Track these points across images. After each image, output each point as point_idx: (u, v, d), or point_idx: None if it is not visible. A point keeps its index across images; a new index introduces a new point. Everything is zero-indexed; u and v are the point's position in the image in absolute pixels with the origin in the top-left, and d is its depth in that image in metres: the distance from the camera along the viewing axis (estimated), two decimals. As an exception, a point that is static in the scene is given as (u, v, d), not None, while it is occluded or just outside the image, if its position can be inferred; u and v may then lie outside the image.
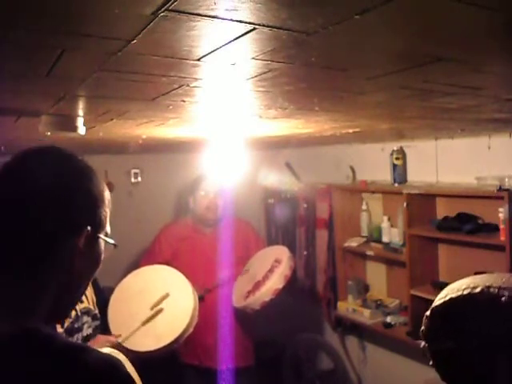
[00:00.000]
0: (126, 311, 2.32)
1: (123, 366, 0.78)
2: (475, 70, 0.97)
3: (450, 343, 0.97)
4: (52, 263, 0.83)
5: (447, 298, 0.97)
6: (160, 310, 2.33)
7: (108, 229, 0.91)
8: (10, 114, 1.44)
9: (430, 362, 1.02)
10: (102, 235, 0.89)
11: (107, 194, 0.91)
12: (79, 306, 2.01)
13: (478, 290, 0.93)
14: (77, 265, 0.84)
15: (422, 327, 1.02)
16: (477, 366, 0.95)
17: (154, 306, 2.35)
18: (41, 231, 0.81)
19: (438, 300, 1.00)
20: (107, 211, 0.90)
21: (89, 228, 0.85)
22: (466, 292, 0.95)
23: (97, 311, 2.12)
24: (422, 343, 1.03)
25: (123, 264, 3.48)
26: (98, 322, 2.11)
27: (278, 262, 2.90)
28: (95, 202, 0.87)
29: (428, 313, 1.01)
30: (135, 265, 3.19)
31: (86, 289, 0.92)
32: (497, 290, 0.91)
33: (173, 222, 3.43)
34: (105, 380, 0.75)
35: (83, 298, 2.05)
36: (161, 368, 2.77)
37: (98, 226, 0.87)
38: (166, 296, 2.39)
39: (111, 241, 0.92)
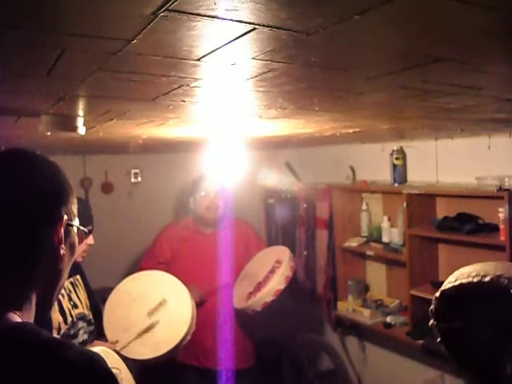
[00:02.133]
0: (123, 318, 2.29)
1: (103, 362, 0.80)
2: (475, 70, 0.97)
3: (458, 323, 0.99)
4: (38, 255, 0.86)
5: (457, 283, 0.99)
6: (156, 322, 2.32)
7: (77, 220, 0.96)
8: (10, 114, 1.44)
9: (438, 339, 1.04)
10: (74, 223, 0.93)
11: (72, 186, 0.96)
12: (74, 312, 2.00)
13: (487, 278, 0.94)
14: (60, 254, 0.88)
15: (431, 307, 1.05)
16: (482, 348, 0.97)
17: (151, 311, 2.34)
18: (25, 223, 0.84)
19: (448, 283, 1.01)
20: (75, 201, 0.95)
21: (65, 217, 0.88)
22: (476, 279, 0.95)
23: (91, 316, 2.11)
24: (431, 321, 1.05)
25: (123, 264, 3.49)
26: (92, 327, 2.10)
27: (278, 262, 2.90)
28: (66, 193, 0.92)
29: (437, 294, 1.03)
30: (135, 265, 3.20)
31: (66, 278, 0.95)
32: (507, 281, 0.92)
33: (174, 223, 3.42)
34: (83, 374, 0.77)
35: (78, 302, 2.05)
36: (160, 368, 2.76)
37: (71, 216, 0.92)
38: (164, 302, 2.37)
39: (84, 228, 0.97)
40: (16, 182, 0.86)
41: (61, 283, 0.93)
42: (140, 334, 2.25)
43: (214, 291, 2.99)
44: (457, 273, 1.02)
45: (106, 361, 0.80)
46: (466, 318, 0.98)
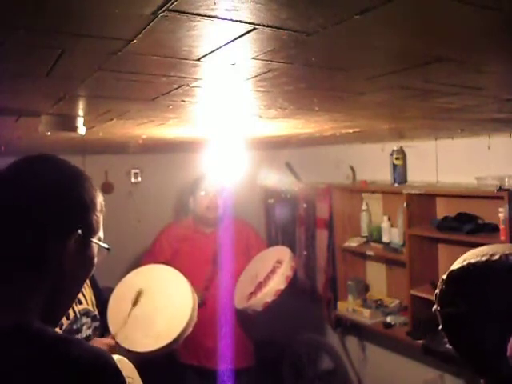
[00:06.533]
0: (125, 310, 2.31)
1: (111, 358, 0.80)
2: (475, 70, 0.97)
3: (463, 308, 0.97)
4: (42, 264, 0.85)
5: (465, 263, 0.98)
6: (141, 292, 2.33)
7: (101, 234, 0.94)
8: (10, 114, 1.44)
9: (440, 326, 1.03)
10: (94, 239, 0.91)
11: (100, 200, 0.94)
12: (78, 308, 2.00)
13: (496, 257, 0.94)
14: (68, 267, 0.87)
15: (437, 290, 1.03)
16: (486, 335, 0.96)
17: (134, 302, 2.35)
18: (32, 233, 0.84)
19: (456, 264, 1.01)
20: (99, 216, 0.93)
21: (79, 231, 0.87)
22: (484, 258, 0.95)
23: (96, 312, 2.11)
24: (435, 306, 1.03)
25: (123, 264, 3.48)
26: (97, 323, 2.10)
27: (279, 262, 2.90)
28: (85, 207, 0.90)
29: (444, 276, 1.02)
30: (135, 265, 3.19)
31: (79, 291, 0.95)
32: None
33: (174, 222, 3.43)
34: (92, 371, 0.77)
35: (82, 298, 2.05)
36: (161, 368, 2.76)
37: (90, 230, 0.90)
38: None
39: (104, 245, 0.94)
40: (28, 190, 0.86)
41: (69, 296, 0.92)
42: (131, 315, 2.25)
43: (213, 292, 2.99)
44: (466, 254, 1.02)
45: (121, 370, 0.80)
46: (471, 301, 0.97)
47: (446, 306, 1.01)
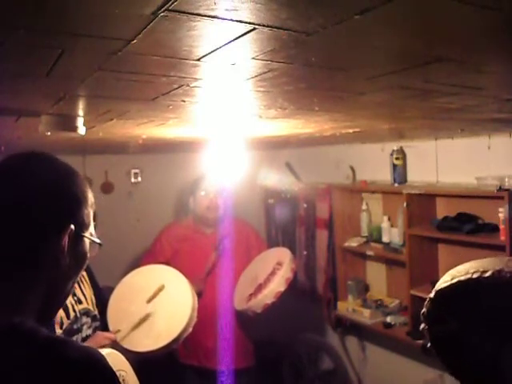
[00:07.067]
0: (125, 309, 2.32)
1: (103, 358, 0.80)
2: (475, 70, 0.97)
3: (453, 325, 0.94)
4: (39, 262, 0.85)
5: (454, 281, 0.94)
6: (155, 311, 2.34)
7: (92, 229, 0.94)
8: (10, 114, 1.44)
9: (428, 344, 1.00)
10: (86, 234, 0.91)
11: (90, 195, 0.94)
12: (78, 307, 2.00)
13: (488, 273, 0.89)
14: (62, 263, 0.87)
15: (424, 309, 0.99)
16: (477, 352, 0.93)
17: (150, 299, 2.36)
18: (27, 231, 0.84)
19: (443, 283, 0.96)
20: (90, 211, 0.93)
21: (72, 227, 0.87)
22: (475, 275, 0.91)
23: (96, 312, 2.11)
24: (422, 325, 1.00)
25: (123, 264, 3.48)
26: (97, 323, 2.10)
27: (279, 264, 2.90)
28: (77, 202, 0.90)
29: (432, 295, 0.98)
30: (135, 265, 3.20)
31: (73, 287, 0.95)
32: (509, 275, 0.87)
33: (175, 222, 3.43)
34: (83, 372, 0.77)
35: (82, 298, 2.05)
36: (161, 368, 2.76)
37: (82, 226, 0.90)
38: (162, 288, 2.40)
39: (96, 240, 0.94)
40: (20, 186, 0.85)
41: (63, 293, 0.92)
42: (139, 323, 2.27)
43: (213, 291, 2.99)
44: (452, 271, 0.96)
45: (113, 363, 0.80)
46: (461, 318, 0.93)
47: (434, 324, 0.98)
